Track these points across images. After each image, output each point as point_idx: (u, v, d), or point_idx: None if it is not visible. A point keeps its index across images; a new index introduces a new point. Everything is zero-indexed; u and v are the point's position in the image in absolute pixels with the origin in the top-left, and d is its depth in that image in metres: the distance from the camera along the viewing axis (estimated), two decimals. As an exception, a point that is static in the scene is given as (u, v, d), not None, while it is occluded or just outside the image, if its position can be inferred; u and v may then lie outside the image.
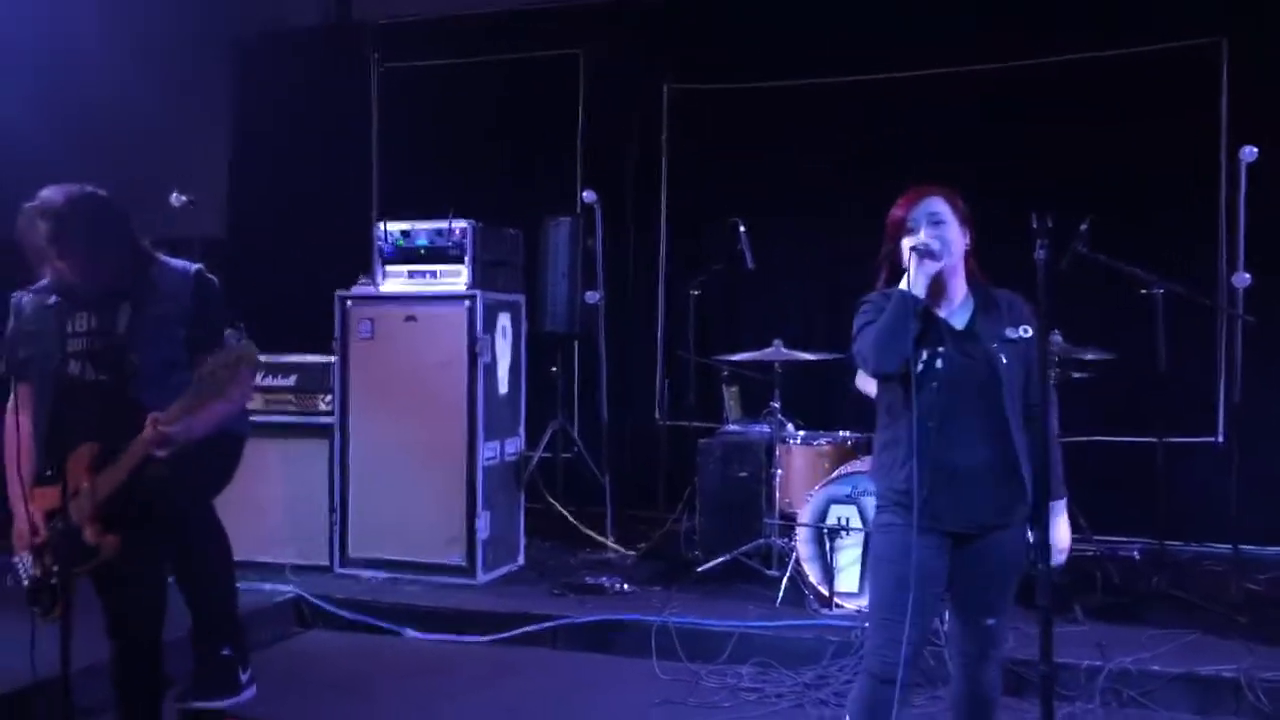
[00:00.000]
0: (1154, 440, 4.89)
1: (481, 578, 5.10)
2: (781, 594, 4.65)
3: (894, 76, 6.23)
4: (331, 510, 5.22)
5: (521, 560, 5.51)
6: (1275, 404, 5.02)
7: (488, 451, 5.19)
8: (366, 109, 7.20)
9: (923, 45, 6.19)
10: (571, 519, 5.83)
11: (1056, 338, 4.83)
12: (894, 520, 2.78)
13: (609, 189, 6.26)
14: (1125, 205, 5.36)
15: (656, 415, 6.65)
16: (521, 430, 5.60)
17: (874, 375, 2.82)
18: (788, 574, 4.70)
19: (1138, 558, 5.20)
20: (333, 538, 5.21)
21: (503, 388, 5.39)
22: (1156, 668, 3.84)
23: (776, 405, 5.12)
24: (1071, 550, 4.76)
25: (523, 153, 6.95)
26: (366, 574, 5.14)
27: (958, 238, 2.78)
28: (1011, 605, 2.86)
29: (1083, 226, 4.76)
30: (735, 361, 5.36)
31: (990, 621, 2.80)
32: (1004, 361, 2.71)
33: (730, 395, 5.72)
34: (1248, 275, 4.72)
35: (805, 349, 5.18)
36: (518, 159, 6.94)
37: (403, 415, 5.15)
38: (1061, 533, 2.83)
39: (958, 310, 2.80)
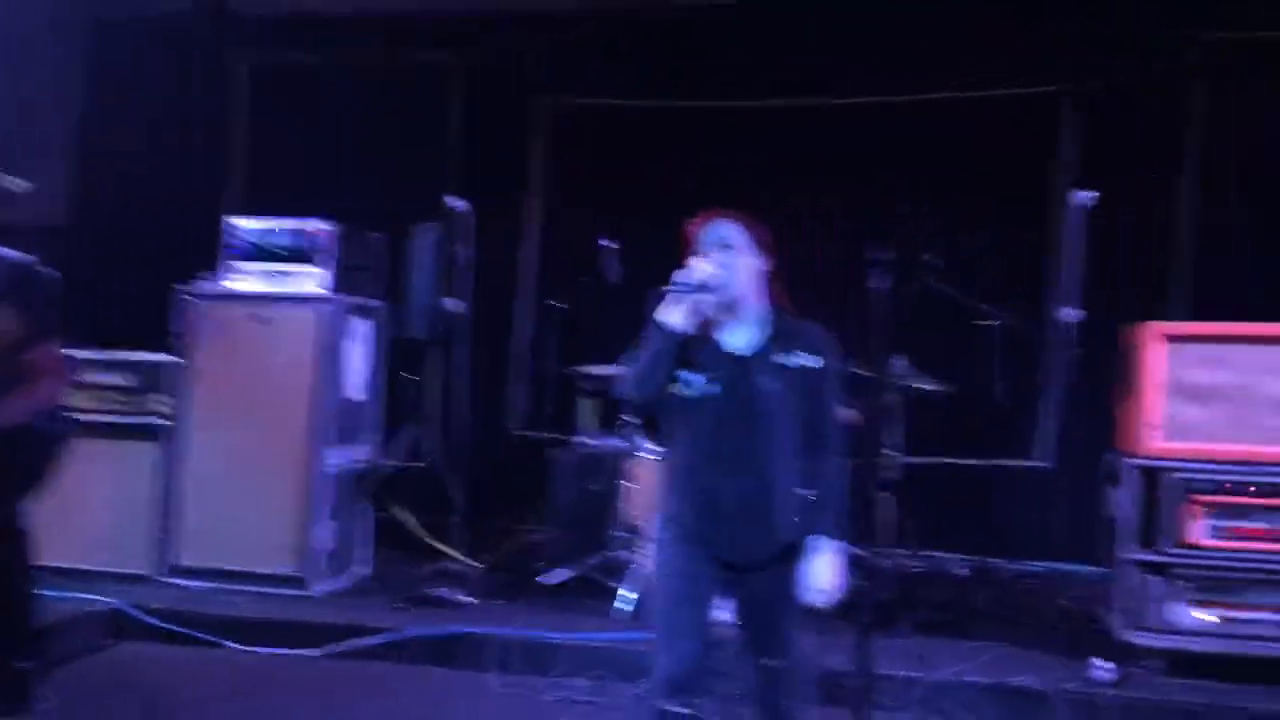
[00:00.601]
0: (985, 463, 5.12)
1: (318, 589, 4.95)
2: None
3: (760, 105, 6.38)
4: (161, 516, 4.99)
5: (364, 571, 5.38)
6: (1093, 432, 5.31)
7: (334, 458, 5.06)
8: (230, 102, 6.97)
9: (793, 75, 6.34)
10: (420, 530, 5.72)
11: (902, 363, 5.00)
12: (669, 542, 2.77)
13: (479, 199, 6.20)
14: (969, 240, 5.59)
15: (513, 426, 6.60)
16: (374, 437, 5.47)
17: (629, 402, 2.80)
18: (629, 586, 4.70)
19: (966, 574, 5.41)
20: (161, 545, 4.98)
21: (356, 394, 5.27)
22: (971, 679, 3.98)
23: (628, 419, 5.14)
24: (901, 569, 4.92)
25: (392, 158, 6.82)
26: (194, 584, 4.92)
27: (746, 264, 2.77)
28: (798, 646, 2.77)
29: (929, 259, 4.96)
30: (595, 375, 5.37)
31: (776, 663, 2.72)
32: (775, 390, 2.66)
33: (587, 408, 5.72)
34: (1077, 311, 4.97)
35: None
36: (386, 164, 6.81)
37: (245, 419, 4.98)
38: (822, 571, 2.66)
39: (743, 336, 2.76)
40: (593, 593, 4.95)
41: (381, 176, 6.76)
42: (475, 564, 5.54)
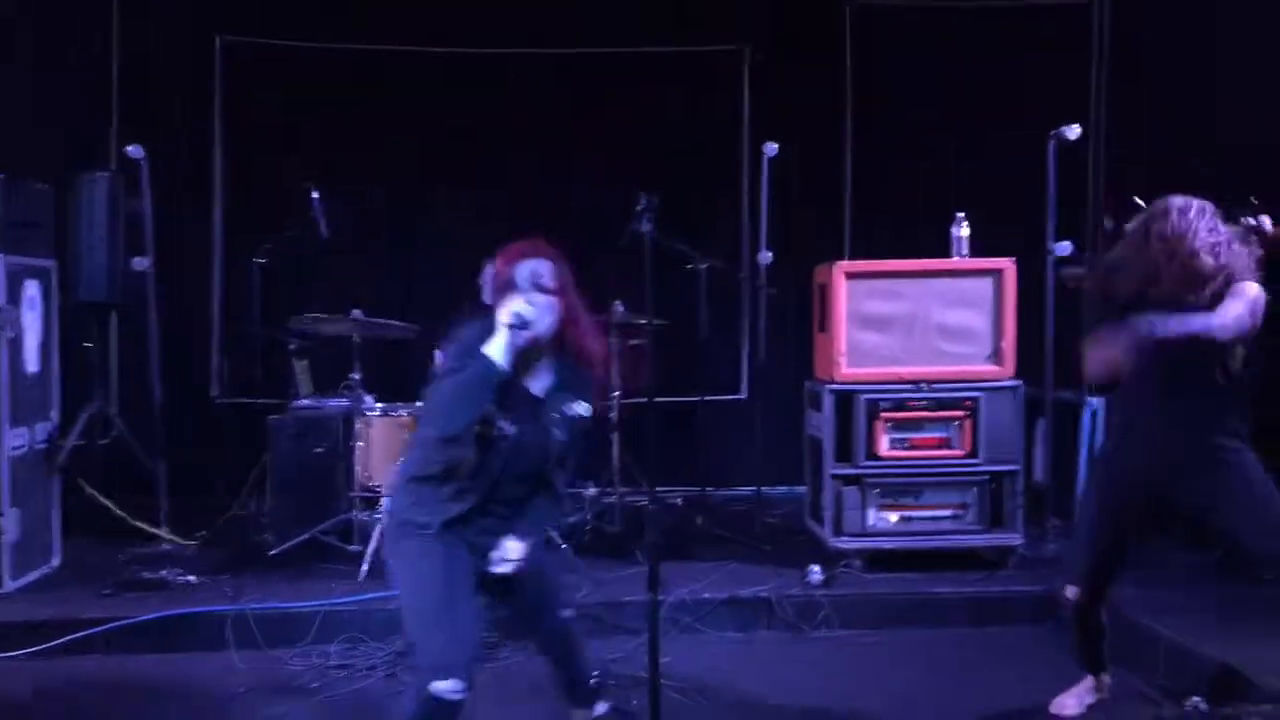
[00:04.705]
0: (695, 399, 5.52)
1: (9, 585, 4.43)
2: (366, 568, 4.58)
3: (469, 51, 6.31)
4: None
5: (56, 562, 4.85)
6: (786, 365, 5.88)
7: (15, 440, 4.50)
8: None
9: (504, 23, 6.28)
10: (118, 511, 5.23)
11: (619, 307, 5.25)
12: (434, 533, 2.82)
13: (155, 144, 5.63)
14: (671, 189, 5.90)
15: (215, 393, 6.17)
16: (55, 414, 4.91)
17: (438, 435, 2.81)
18: (371, 547, 4.63)
19: (681, 503, 5.84)
20: None
21: (31, 366, 4.69)
22: (707, 595, 4.36)
23: (357, 377, 4.99)
24: (629, 502, 5.22)
25: (47, 95, 6.04)
26: None
27: (554, 305, 2.81)
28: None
29: (641, 206, 5.19)
30: (307, 334, 5.14)
31: (567, 613, 3.08)
32: (561, 437, 2.86)
33: (301, 369, 5.47)
34: (769, 253, 5.44)
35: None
36: (41, 102, 6.01)
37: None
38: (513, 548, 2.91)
39: (540, 376, 2.88)
40: (329, 557, 4.81)
41: (34, 119, 5.96)
42: (186, 541, 5.18)
